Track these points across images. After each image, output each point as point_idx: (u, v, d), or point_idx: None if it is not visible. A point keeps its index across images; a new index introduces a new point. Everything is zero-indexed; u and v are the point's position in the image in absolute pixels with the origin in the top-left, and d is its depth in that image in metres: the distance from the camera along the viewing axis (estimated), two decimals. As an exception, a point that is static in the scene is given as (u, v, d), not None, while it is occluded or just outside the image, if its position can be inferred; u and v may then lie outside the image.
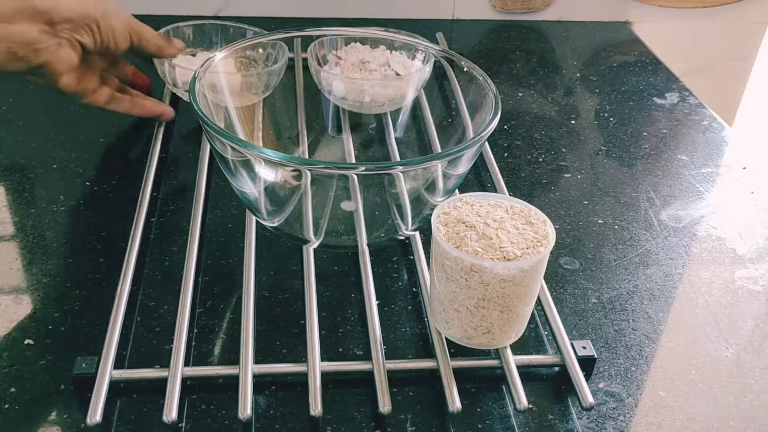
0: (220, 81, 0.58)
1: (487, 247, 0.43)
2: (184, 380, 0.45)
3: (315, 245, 0.54)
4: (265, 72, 0.67)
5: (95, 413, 0.42)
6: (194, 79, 0.53)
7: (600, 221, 0.64)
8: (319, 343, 0.47)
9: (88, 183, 0.65)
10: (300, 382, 0.46)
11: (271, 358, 0.48)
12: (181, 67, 0.70)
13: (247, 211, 0.57)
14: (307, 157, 0.66)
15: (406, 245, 0.58)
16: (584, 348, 0.49)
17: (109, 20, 0.60)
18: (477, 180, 0.68)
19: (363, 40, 0.71)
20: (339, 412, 0.45)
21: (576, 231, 0.63)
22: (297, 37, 0.67)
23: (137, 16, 0.99)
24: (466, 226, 0.45)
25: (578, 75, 0.90)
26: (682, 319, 0.54)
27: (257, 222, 0.57)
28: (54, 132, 0.72)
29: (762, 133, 1.37)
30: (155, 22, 0.78)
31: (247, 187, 0.52)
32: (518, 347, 0.49)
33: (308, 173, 0.49)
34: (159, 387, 0.44)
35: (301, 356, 0.47)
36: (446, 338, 0.48)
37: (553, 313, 0.51)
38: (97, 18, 0.59)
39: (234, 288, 0.54)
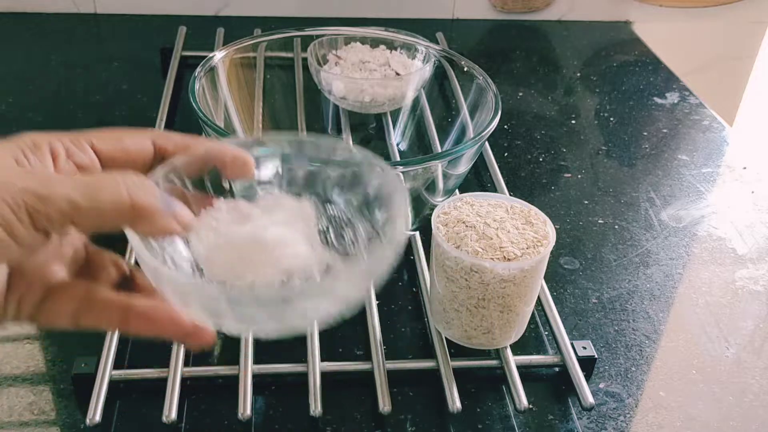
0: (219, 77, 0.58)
1: (487, 247, 0.43)
2: (183, 380, 0.45)
3: (315, 245, 0.54)
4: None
5: (95, 413, 0.42)
6: (194, 78, 0.53)
7: (600, 221, 0.64)
8: (318, 343, 0.47)
9: (87, 183, 0.65)
10: (300, 382, 0.46)
11: (271, 358, 0.48)
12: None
13: (247, 211, 0.57)
14: (307, 156, 0.65)
15: (406, 245, 0.58)
16: (584, 348, 0.49)
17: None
18: (477, 180, 0.68)
19: (363, 40, 0.71)
20: (339, 412, 0.45)
21: (576, 231, 0.62)
22: (297, 36, 0.67)
23: (137, 16, 0.99)
24: (466, 226, 0.45)
25: (578, 75, 0.90)
26: (682, 319, 0.54)
27: (257, 222, 0.56)
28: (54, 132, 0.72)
29: (762, 133, 1.37)
30: (155, 21, 0.78)
31: (246, 186, 0.51)
32: (518, 347, 0.49)
33: (308, 173, 0.49)
34: (159, 387, 0.44)
35: (301, 356, 0.47)
36: (446, 338, 0.48)
37: (553, 313, 0.51)
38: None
39: (234, 288, 0.54)
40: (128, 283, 0.34)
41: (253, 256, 0.31)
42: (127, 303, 0.31)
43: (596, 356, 0.48)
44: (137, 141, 0.32)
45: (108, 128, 0.33)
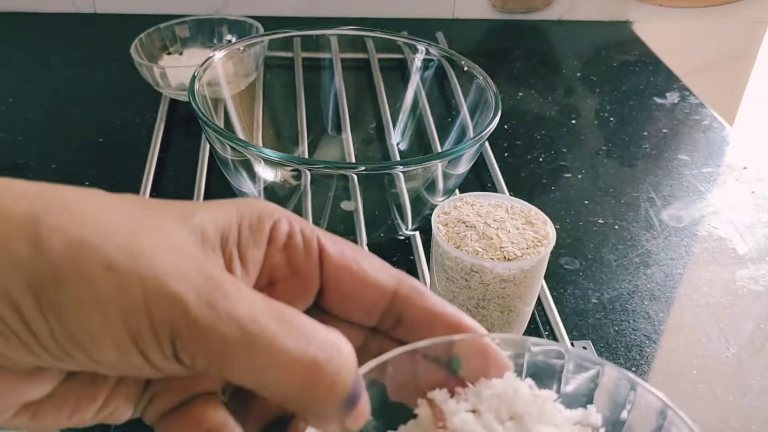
0: (218, 75, 0.58)
1: (487, 247, 0.43)
2: (183, 380, 0.45)
3: (315, 245, 0.54)
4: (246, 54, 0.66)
5: (94, 414, 0.42)
6: (194, 78, 0.53)
7: (600, 221, 0.64)
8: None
9: (87, 183, 0.65)
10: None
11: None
12: (172, 68, 0.70)
13: (247, 211, 0.57)
14: (307, 156, 0.65)
15: (406, 245, 0.58)
16: (585, 348, 0.48)
17: None
18: (477, 180, 0.68)
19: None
20: (339, 412, 0.45)
21: (576, 231, 0.62)
22: (297, 36, 0.67)
23: (137, 16, 0.99)
24: (467, 226, 0.45)
25: (578, 75, 0.90)
26: (682, 320, 0.54)
27: (257, 222, 0.56)
28: (54, 132, 0.72)
29: (763, 133, 1.37)
30: (155, 21, 0.78)
31: (246, 187, 0.51)
32: (518, 347, 0.49)
33: (308, 173, 0.49)
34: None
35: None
36: (446, 338, 0.48)
37: (554, 313, 0.51)
38: None
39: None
40: (284, 426, 0.24)
41: None
42: None
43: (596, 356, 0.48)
44: (380, 273, 0.23)
45: (354, 246, 0.24)
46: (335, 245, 0.23)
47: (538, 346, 0.24)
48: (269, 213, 0.23)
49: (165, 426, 0.23)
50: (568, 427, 0.23)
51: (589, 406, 0.24)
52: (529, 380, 0.23)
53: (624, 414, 0.24)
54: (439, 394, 0.23)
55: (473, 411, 0.23)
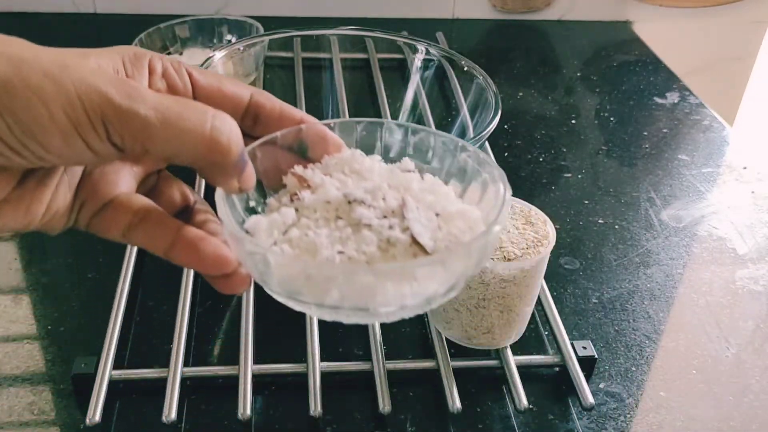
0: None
1: (487, 247, 0.43)
2: (183, 380, 0.45)
3: (315, 245, 0.54)
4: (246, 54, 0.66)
5: (94, 413, 0.42)
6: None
7: (600, 221, 0.64)
8: (319, 343, 0.47)
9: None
10: (300, 382, 0.46)
11: (271, 358, 0.48)
12: None
13: (247, 210, 0.57)
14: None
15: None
16: (584, 348, 0.49)
17: None
18: (477, 180, 0.68)
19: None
20: (339, 412, 0.45)
21: (576, 231, 0.62)
22: (297, 36, 0.67)
23: (139, 16, 0.99)
24: (466, 225, 0.45)
25: (579, 74, 0.90)
26: (682, 319, 0.54)
27: (257, 222, 0.56)
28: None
29: (763, 133, 1.37)
30: (155, 21, 0.78)
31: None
32: (518, 347, 0.49)
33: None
34: (158, 387, 0.44)
35: (301, 356, 0.47)
36: (446, 338, 0.48)
37: (554, 313, 0.51)
38: None
39: (234, 288, 0.54)
40: (188, 215, 0.32)
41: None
42: (178, 227, 0.29)
43: (596, 356, 0.48)
44: (238, 87, 0.31)
45: (214, 73, 0.32)
46: (200, 73, 0.31)
47: (362, 123, 0.34)
48: (143, 52, 0.30)
49: (98, 221, 0.30)
50: (394, 173, 0.32)
51: (403, 159, 0.33)
52: (358, 150, 0.33)
53: (430, 155, 0.34)
54: (299, 168, 0.31)
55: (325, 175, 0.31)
